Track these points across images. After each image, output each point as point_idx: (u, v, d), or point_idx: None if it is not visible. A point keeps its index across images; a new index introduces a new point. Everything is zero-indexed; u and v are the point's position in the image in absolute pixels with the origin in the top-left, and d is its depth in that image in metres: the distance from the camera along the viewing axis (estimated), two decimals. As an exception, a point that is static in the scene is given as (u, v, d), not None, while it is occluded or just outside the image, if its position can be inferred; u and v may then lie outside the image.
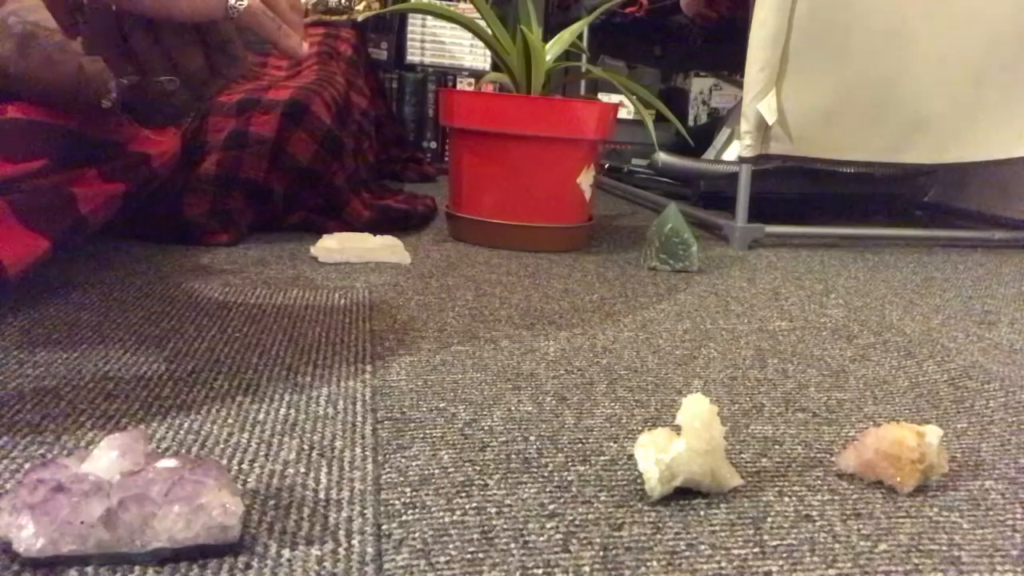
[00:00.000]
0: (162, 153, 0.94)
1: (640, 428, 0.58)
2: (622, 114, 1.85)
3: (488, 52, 2.20)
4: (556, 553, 0.41)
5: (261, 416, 0.56)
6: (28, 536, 0.36)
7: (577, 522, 0.44)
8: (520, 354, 0.73)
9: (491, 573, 0.39)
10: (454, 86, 2.52)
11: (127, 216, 0.97)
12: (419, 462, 0.50)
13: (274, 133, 1.15)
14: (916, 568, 0.42)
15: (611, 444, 0.55)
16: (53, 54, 0.79)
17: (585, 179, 1.24)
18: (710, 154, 2.05)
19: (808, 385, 0.69)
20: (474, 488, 0.48)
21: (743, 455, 0.54)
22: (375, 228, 1.19)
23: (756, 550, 0.43)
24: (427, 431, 0.55)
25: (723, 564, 0.41)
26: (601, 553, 0.42)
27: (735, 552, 0.42)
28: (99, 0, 0.60)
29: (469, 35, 1.77)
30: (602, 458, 0.53)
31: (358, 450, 0.51)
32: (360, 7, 2.08)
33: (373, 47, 2.38)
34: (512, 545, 0.42)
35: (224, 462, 0.49)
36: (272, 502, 0.44)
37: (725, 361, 0.75)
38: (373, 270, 1.02)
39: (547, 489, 0.48)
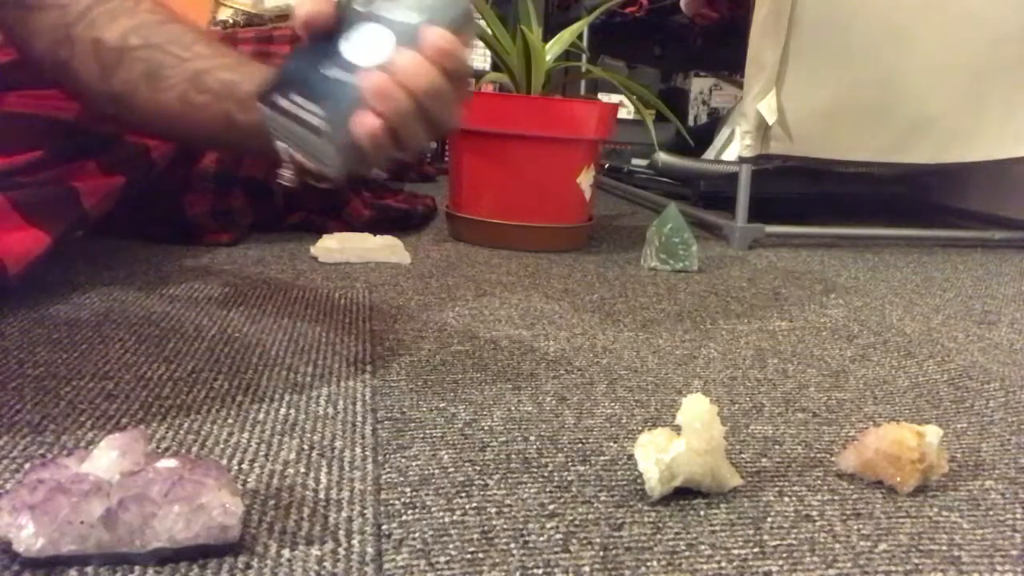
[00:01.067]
0: (161, 144, 0.94)
1: (640, 428, 0.58)
2: (622, 114, 1.85)
3: (488, 52, 2.20)
4: (556, 553, 0.41)
5: (261, 416, 0.56)
6: (28, 536, 0.36)
7: (577, 522, 0.44)
8: (520, 354, 0.73)
9: (491, 573, 0.39)
10: (454, 86, 2.51)
11: (128, 214, 0.97)
12: (419, 462, 0.50)
13: (274, 133, 1.15)
14: (916, 568, 0.42)
15: (611, 444, 0.55)
16: (188, 93, 0.63)
17: (585, 179, 1.24)
18: (710, 154, 2.05)
19: (808, 385, 0.69)
20: (474, 488, 0.48)
21: (743, 455, 0.54)
22: (375, 228, 1.19)
23: (756, 550, 0.43)
24: (427, 431, 0.55)
25: (723, 564, 0.41)
26: (601, 553, 0.42)
27: (735, 552, 0.42)
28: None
29: (469, 35, 1.76)
30: (602, 458, 0.53)
31: (358, 450, 0.51)
32: (360, 7, 2.07)
33: (373, 47, 2.37)
34: (512, 545, 0.42)
35: (224, 462, 0.49)
36: (272, 502, 0.44)
37: (725, 361, 0.75)
38: (373, 270, 1.02)
39: (547, 489, 0.48)
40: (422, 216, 1.36)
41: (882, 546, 0.44)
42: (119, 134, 0.88)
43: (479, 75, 2.49)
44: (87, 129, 0.83)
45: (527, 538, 0.43)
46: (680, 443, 0.46)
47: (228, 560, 0.39)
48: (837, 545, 0.44)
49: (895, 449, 0.49)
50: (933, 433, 0.50)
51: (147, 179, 0.94)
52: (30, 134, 0.79)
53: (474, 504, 0.46)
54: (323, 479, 0.47)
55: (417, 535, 0.42)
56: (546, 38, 1.32)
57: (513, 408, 0.60)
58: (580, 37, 1.51)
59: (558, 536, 0.43)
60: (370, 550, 0.41)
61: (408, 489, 0.47)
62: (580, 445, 0.54)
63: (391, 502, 0.45)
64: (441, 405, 0.60)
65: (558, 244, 1.24)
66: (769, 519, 0.46)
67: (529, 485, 0.48)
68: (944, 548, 0.44)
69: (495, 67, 2.07)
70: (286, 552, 0.40)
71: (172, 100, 0.64)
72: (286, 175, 0.59)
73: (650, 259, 1.15)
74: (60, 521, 0.36)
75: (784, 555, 0.42)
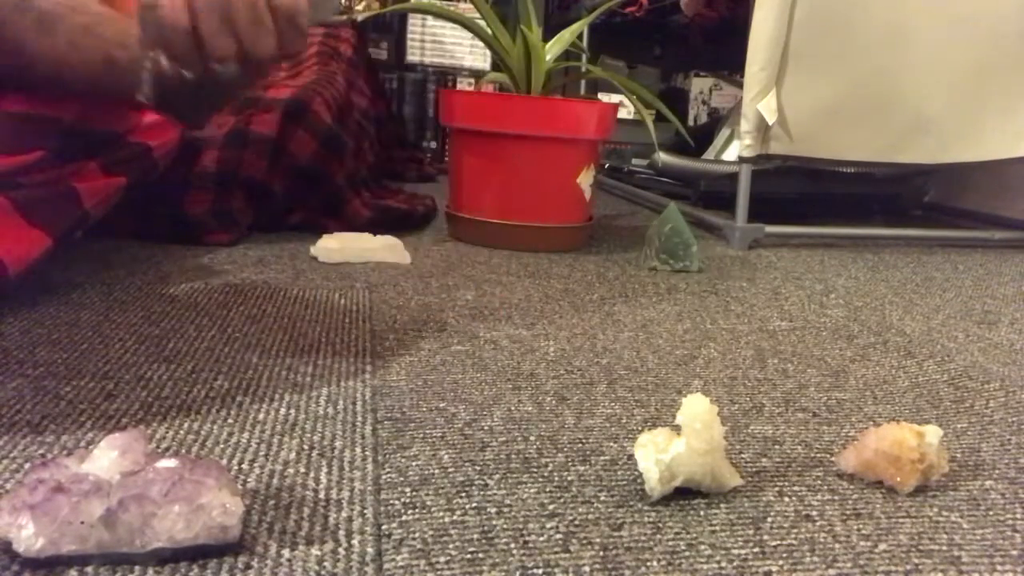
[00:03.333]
0: (162, 144, 0.94)
1: (640, 428, 0.58)
2: (622, 114, 1.85)
3: (488, 52, 2.20)
4: (556, 553, 0.41)
5: (261, 416, 0.56)
6: (28, 536, 0.36)
7: (577, 522, 0.44)
8: (520, 354, 0.73)
9: (491, 573, 0.39)
10: (454, 86, 2.52)
11: (128, 214, 0.97)
12: (419, 462, 0.51)
13: (274, 132, 1.15)
14: (916, 568, 0.42)
15: (611, 444, 0.55)
16: (77, 37, 0.74)
17: (585, 179, 1.24)
18: (710, 154, 2.05)
19: (808, 385, 0.69)
20: (474, 488, 0.48)
21: (743, 455, 0.54)
22: (375, 228, 1.19)
23: (756, 550, 0.43)
24: (427, 431, 0.55)
25: (723, 564, 0.41)
26: (601, 553, 0.42)
27: (735, 552, 0.42)
28: None
29: (469, 35, 1.77)
30: (602, 458, 0.53)
31: (358, 450, 0.51)
32: (360, 7, 2.08)
33: (373, 47, 2.38)
34: (512, 545, 0.42)
35: (224, 462, 0.49)
36: (272, 502, 0.44)
37: (725, 361, 0.75)
38: (373, 270, 1.02)
39: (547, 489, 0.48)
40: (422, 216, 1.37)
41: (882, 546, 0.44)
42: (120, 134, 0.88)
43: (479, 75, 2.50)
44: (88, 129, 0.83)
45: (527, 538, 0.43)
46: (680, 443, 0.46)
47: (228, 560, 0.39)
48: (837, 545, 0.44)
49: (895, 449, 0.49)
50: (933, 433, 0.50)
51: (148, 180, 0.94)
52: (32, 134, 0.79)
53: (474, 504, 0.46)
54: (323, 479, 0.47)
55: (417, 535, 0.42)
56: (546, 38, 1.32)
57: (513, 408, 0.60)
58: (580, 37, 1.51)
59: (558, 536, 0.43)
60: (370, 550, 0.41)
61: (408, 489, 0.47)
62: (580, 445, 0.54)
63: (391, 502, 0.45)
64: (441, 405, 0.60)
65: (558, 244, 1.24)
66: (769, 519, 0.46)
67: (529, 485, 0.48)
68: (944, 548, 0.44)
69: (495, 67, 2.07)
70: (286, 552, 0.40)
71: (61, 44, 0.73)
72: (144, 89, 0.65)
73: (650, 259, 1.15)
74: (60, 521, 0.36)
75: (784, 555, 0.42)
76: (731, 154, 1.95)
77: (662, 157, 1.85)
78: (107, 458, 0.39)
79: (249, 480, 0.47)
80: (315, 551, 0.40)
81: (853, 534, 0.45)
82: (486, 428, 0.56)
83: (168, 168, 1.00)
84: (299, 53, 0.64)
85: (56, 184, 0.79)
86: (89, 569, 0.37)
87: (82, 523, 0.37)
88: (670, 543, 0.43)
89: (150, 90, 0.66)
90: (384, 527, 0.43)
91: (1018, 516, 0.48)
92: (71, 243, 0.83)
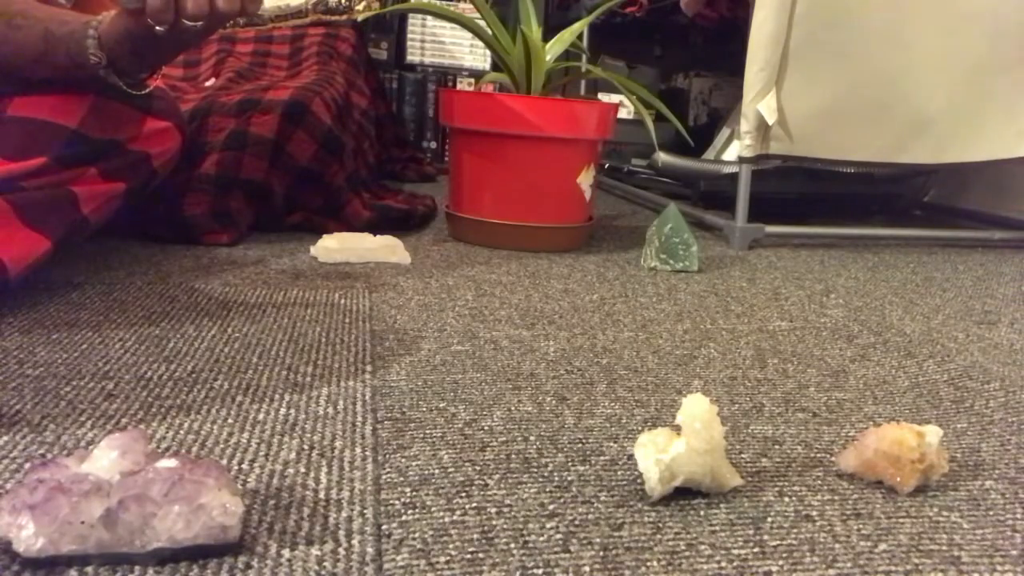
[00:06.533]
0: (162, 152, 0.95)
1: (640, 428, 0.58)
2: (622, 114, 1.85)
3: (488, 52, 2.20)
4: (556, 553, 0.41)
5: (261, 416, 0.56)
6: (28, 536, 0.36)
7: (577, 522, 0.44)
8: (520, 354, 0.73)
9: (491, 573, 0.39)
10: (454, 86, 2.52)
11: (127, 215, 0.97)
12: (419, 462, 0.51)
13: (274, 133, 1.15)
14: (916, 568, 0.42)
15: (611, 444, 0.55)
16: (13, 19, 0.81)
17: (585, 179, 1.24)
18: (710, 154, 2.05)
19: (808, 385, 0.69)
20: (474, 488, 0.48)
21: (743, 455, 0.54)
22: (375, 228, 1.19)
23: (756, 550, 0.43)
24: (427, 431, 0.55)
25: (723, 564, 0.41)
26: (601, 553, 0.42)
27: (735, 552, 0.42)
28: None
29: (469, 35, 1.77)
30: (602, 458, 0.53)
31: (358, 450, 0.51)
32: (360, 7, 2.08)
33: (373, 47, 2.38)
34: (512, 545, 0.42)
35: (224, 462, 0.49)
36: (272, 502, 0.44)
37: (725, 361, 0.75)
38: (373, 270, 1.02)
39: (547, 489, 0.48)
40: (422, 216, 1.37)
41: (882, 546, 0.44)
42: (121, 142, 0.88)
43: (479, 75, 2.50)
44: (89, 136, 0.84)
45: (527, 538, 0.43)
46: (680, 443, 0.46)
47: (228, 560, 0.39)
48: (837, 545, 0.44)
49: (895, 449, 0.49)
50: (933, 433, 0.50)
51: (148, 187, 0.95)
52: (35, 140, 0.80)
53: (474, 504, 0.46)
54: (323, 479, 0.47)
55: (417, 535, 0.42)
56: (546, 38, 1.32)
57: (513, 408, 0.60)
58: (580, 37, 1.51)
59: (558, 536, 0.43)
60: (370, 550, 0.41)
61: (408, 489, 0.47)
62: (580, 445, 0.54)
63: (391, 502, 0.45)
64: (441, 405, 0.60)
65: (558, 244, 1.24)
66: (769, 519, 0.46)
67: (529, 485, 0.48)
68: (944, 548, 0.44)
69: (495, 67, 2.07)
70: (286, 552, 0.40)
71: (1, 27, 0.79)
72: (88, 52, 0.77)
73: (650, 259, 1.15)
74: (60, 521, 0.36)
75: (784, 555, 0.42)
76: (731, 154, 1.95)
77: (662, 157, 1.85)
78: (107, 458, 0.39)
79: (249, 480, 0.47)
80: (315, 551, 0.40)
81: (853, 534, 0.45)
82: (486, 428, 0.56)
83: (170, 173, 1.00)
84: (256, 10, 0.75)
85: (55, 188, 0.79)
86: (89, 569, 0.37)
87: (82, 523, 0.37)
88: (670, 543, 0.43)
89: (98, 51, 0.78)
90: (384, 527, 0.43)
91: (1018, 516, 0.48)
92: (72, 244, 0.84)
